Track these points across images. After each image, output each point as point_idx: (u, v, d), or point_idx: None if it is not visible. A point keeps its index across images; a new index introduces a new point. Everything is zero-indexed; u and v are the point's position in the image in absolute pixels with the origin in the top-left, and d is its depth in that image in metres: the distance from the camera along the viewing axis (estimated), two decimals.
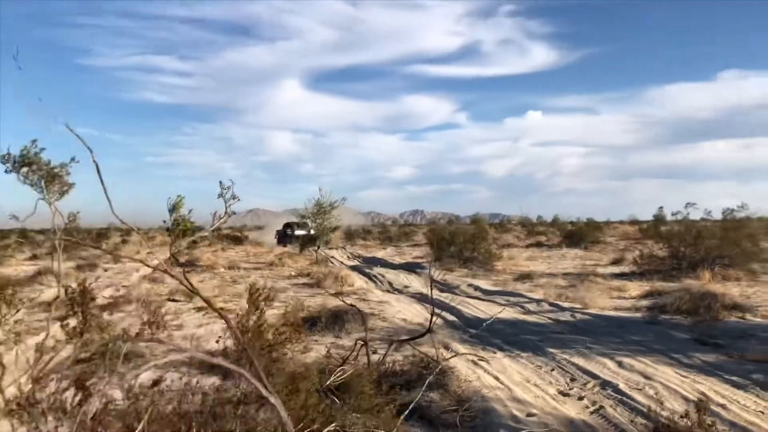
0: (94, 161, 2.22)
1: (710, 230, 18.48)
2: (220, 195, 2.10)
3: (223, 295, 15.70)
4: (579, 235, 35.91)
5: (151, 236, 65.00)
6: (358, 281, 18.97)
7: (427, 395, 6.48)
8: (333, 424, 3.70)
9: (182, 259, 29.56)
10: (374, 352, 7.36)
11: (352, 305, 7.91)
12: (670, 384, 7.06)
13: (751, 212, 18.87)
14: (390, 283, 19.09)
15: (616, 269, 21.35)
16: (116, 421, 2.50)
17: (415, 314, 12.43)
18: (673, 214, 18.91)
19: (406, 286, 18.12)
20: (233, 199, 2.11)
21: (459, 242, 23.66)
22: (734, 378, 7.31)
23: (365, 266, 25.56)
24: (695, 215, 18.79)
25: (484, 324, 9.91)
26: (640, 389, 6.94)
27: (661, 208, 19.42)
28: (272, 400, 2.02)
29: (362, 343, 7.20)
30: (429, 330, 6.80)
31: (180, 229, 2.17)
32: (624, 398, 6.65)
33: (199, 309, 13.11)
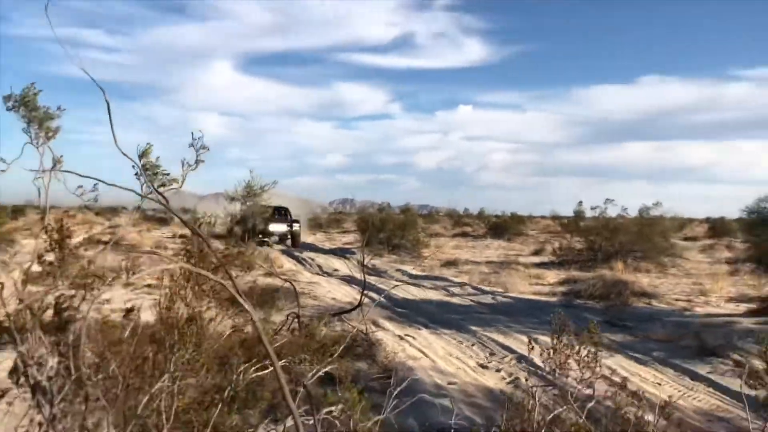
0: (106, 101, 2.33)
1: (625, 226, 19.56)
2: (191, 144, 2.28)
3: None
4: (503, 227, 37.08)
5: (72, 215, 62.34)
6: (287, 264, 19.11)
7: (356, 365, 6.80)
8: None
9: (105, 238, 28.94)
10: (306, 326, 7.61)
11: (286, 279, 8.12)
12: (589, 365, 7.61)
13: (664, 211, 20.07)
14: (319, 267, 19.31)
15: (536, 259, 22.30)
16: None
17: (345, 294, 12.72)
18: (592, 209, 19.91)
19: (335, 270, 18.38)
20: (203, 149, 2.30)
21: (388, 229, 24.08)
22: (638, 355, 7.98)
23: (295, 250, 25.65)
24: (613, 211, 19.82)
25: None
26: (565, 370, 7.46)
27: (580, 203, 20.18)
28: (246, 306, 2.25)
29: (294, 315, 7.45)
30: (359, 304, 7.12)
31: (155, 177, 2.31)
32: (537, 370, 7.16)
33: (127, 285, 12.97)
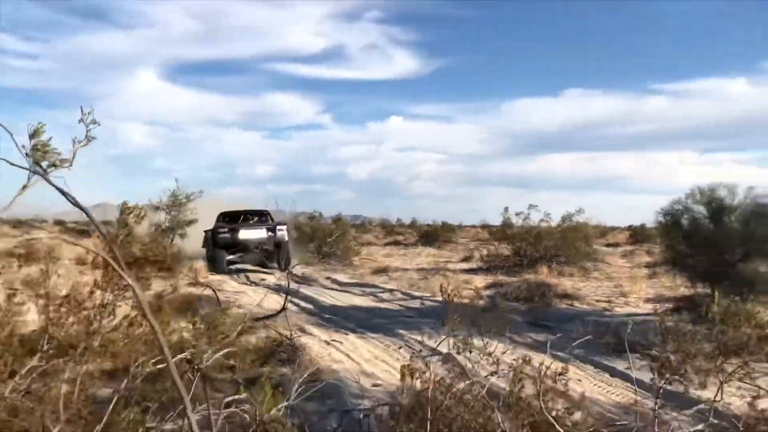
0: None
1: (549, 232, 20.09)
2: (81, 120, 2.15)
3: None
4: (433, 235, 37.52)
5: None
6: (212, 276, 18.70)
7: (280, 370, 6.68)
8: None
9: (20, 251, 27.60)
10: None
11: (207, 286, 7.92)
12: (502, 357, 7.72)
13: (587, 217, 20.66)
14: (246, 276, 18.97)
15: (465, 265, 22.63)
16: None
17: (272, 302, 12.50)
18: (516, 214, 20.29)
19: (262, 279, 18.10)
20: (94, 123, 2.17)
21: (318, 238, 23.93)
22: (560, 353, 8.15)
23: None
24: (535, 217, 20.28)
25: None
26: (477, 363, 7.53)
27: (506, 209, 20.56)
28: (131, 282, 2.13)
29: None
30: (283, 309, 7.00)
31: None
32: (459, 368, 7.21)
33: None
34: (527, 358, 4.04)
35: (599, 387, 6.99)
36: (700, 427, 5.37)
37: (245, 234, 19.41)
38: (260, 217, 21.70)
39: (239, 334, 5.48)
